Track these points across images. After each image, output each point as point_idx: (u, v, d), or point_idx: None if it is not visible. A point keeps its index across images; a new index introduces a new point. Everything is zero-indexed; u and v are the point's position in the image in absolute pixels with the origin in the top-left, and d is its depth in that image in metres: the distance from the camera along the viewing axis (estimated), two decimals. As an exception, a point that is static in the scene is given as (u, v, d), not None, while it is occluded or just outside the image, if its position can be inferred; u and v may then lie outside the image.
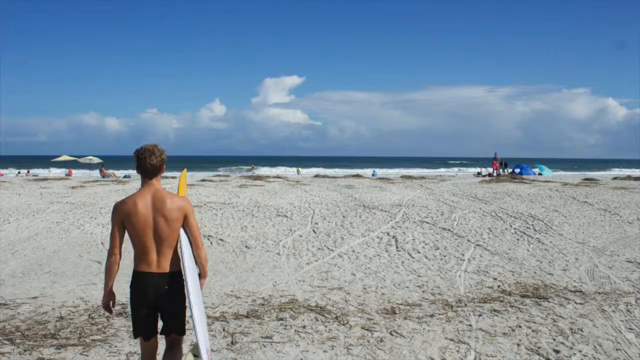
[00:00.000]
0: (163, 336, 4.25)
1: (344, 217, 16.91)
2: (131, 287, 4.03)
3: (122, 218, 3.93)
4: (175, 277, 4.01)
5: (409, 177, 39.63)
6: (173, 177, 34.45)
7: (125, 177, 41.15)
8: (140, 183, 4.11)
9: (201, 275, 4.18)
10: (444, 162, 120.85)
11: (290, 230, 14.40)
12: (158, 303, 3.99)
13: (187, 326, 4.38)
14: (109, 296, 4.13)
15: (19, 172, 48.58)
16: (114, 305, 4.23)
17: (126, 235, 4.09)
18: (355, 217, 16.78)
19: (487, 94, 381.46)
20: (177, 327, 4.12)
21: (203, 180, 34.77)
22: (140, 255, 3.98)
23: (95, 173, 45.05)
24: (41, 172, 52.44)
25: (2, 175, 44.81)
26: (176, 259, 4.03)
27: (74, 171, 46.86)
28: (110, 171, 43.78)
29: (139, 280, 3.98)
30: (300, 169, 76.96)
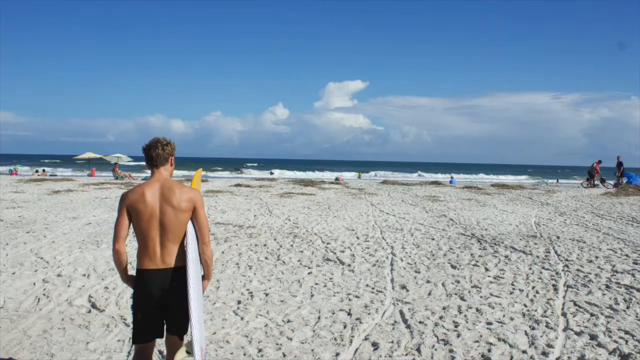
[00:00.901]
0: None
1: (453, 266, 8.76)
2: (135, 288, 3.64)
3: (128, 206, 3.57)
4: (182, 272, 3.60)
5: (504, 187, 30.83)
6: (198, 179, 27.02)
7: (145, 179, 34.11)
8: (150, 175, 3.75)
9: (204, 277, 3.81)
10: (519, 169, 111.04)
11: (349, 312, 6.30)
12: (165, 301, 3.58)
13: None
14: (129, 281, 3.73)
15: (36, 171, 42.40)
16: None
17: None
18: (474, 269, 8.59)
19: (552, 100, 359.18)
20: (184, 325, 3.68)
21: (238, 185, 27.13)
22: (144, 249, 3.59)
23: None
24: (62, 171, 46.42)
25: (15, 174, 38.65)
26: (182, 254, 3.65)
27: (98, 171, 40.24)
28: (127, 172, 36.70)
29: (143, 279, 3.58)
30: (361, 173, 69.08)
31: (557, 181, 64.77)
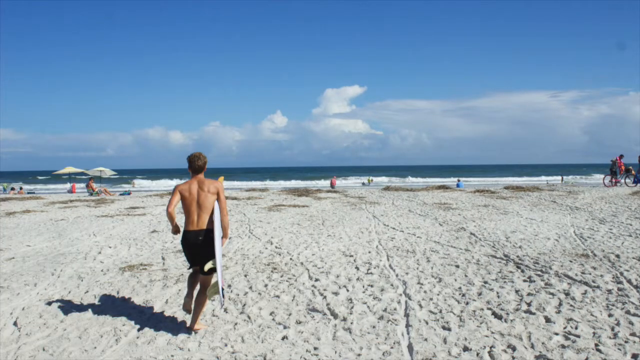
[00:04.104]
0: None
1: (497, 314, 5.96)
2: (182, 240, 5.84)
3: (181, 191, 5.84)
4: (208, 233, 5.74)
5: (519, 189, 27.96)
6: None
7: (122, 194, 31.24)
8: (190, 176, 5.97)
9: (223, 236, 5.89)
10: (519, 169, 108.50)
11: None
12: (197, 247, 5.73)
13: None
14: (175, 227, 5.98)
15: (12, 189, 39.56)
16: (179, 231, 6.01)
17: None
18: (530, 320, 5.80)
19: (550, 99, 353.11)
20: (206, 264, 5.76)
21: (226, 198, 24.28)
22: (188, 218, 5.80)
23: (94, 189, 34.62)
24: (47, 188, 43.45)
25: (-12, 193, 35.77)
26: (209, 222, 5.77)
27: (78, 185, 37.36)
28: (102, 187, 33.65)
29: (186, 235, 5.78)
30: (371, 179, 66.73)
31: (562, 180, 62.13)
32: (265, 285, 7.50)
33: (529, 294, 6.78)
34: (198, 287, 5.92)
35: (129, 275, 8.31)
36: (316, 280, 7.76)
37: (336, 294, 6.99)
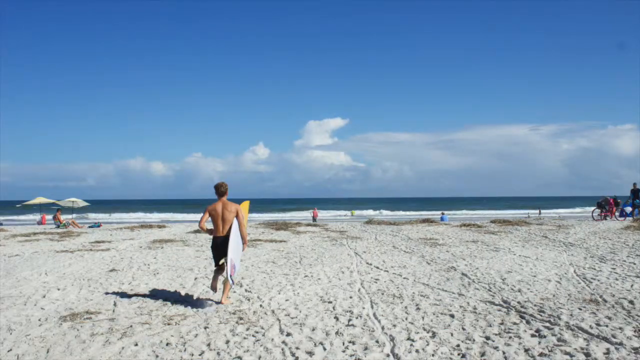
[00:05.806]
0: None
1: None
2: (212, 243, 8.39)
3: (210, 211, 8.30)
4: (229, 238, 8.16)
5: (506, 222, 26.95)
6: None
7: (92, 226, 29.71)
8: (217, 199, 8.38)
9: (243, 242, 8.46)
10: (501, 202, 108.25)
11: None
12: (221, 248, 8.19)
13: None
14: (209, 232, 8.44)
15: (-23, 222, 37.83)
16: (212, 232, 8.43)
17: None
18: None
19: (530, 132, 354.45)
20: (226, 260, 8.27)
21: (197, 231, 22.93)
22: (216, 228, 8.30)
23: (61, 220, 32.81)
24: (16, 219, 41.67)
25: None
26: (229, 231, 8.19)
27: (48, 217, 35.74)
28: (70, 219, 32.08)
29: (214, 240, 8.31)
30: (354, 211, 66.44)
31: (540, 212, 61.60)
32: (227, 342, 6.28)
33: (541, 355, 5.65)
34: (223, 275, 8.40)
35: (69, 327, 7.06)
36: (287, 334, 6.56)
37: (311, 353, 5.80)
